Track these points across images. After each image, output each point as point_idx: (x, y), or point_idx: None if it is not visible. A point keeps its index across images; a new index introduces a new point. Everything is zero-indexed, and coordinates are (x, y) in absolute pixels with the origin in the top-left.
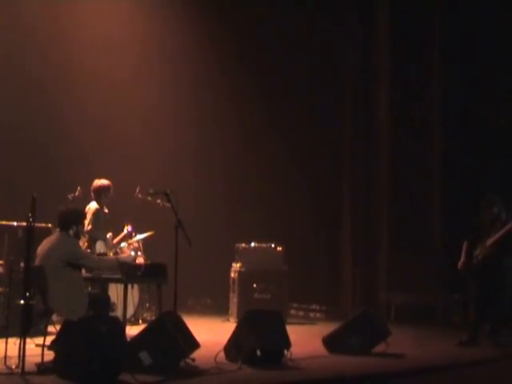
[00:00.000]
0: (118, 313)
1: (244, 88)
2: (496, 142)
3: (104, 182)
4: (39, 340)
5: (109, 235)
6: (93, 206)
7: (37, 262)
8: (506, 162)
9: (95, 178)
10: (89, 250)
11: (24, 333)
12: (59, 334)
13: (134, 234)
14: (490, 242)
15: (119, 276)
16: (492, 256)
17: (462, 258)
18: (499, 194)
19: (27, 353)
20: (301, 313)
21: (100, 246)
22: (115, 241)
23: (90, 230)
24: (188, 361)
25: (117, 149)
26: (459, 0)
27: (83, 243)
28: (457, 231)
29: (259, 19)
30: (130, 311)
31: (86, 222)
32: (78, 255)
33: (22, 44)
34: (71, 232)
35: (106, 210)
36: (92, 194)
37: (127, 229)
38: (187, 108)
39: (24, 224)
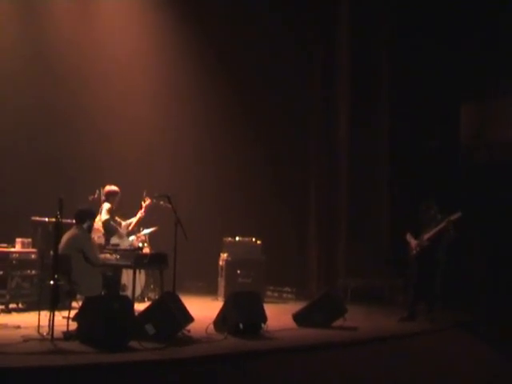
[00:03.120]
0: (128, 292)
1: (232, 105)
2: (431, 159)
3: (114, 187)
4: (65, 313)
5: (124, 224)
6: (106, 204)
7: (60, 250)
8: (439, 174)
9: (111, 183)
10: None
11: (53, 307)
12: (81, 309)
13: (141, 229)
14: (426, 236)
15: (129, 263)
16: (427, 249)
17: (413, 242)
18: (435, 199)
19: (55, 323)
20: (275, 294)
21: (113, 239)
22: (131, 227)
23: (107, 219)
24: (184, 332)
25: (127, 160)
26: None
27: (98, 235)
28: (401, 230)
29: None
30: (138, 291)
31: (104, 213)
32: (88, 249)
33: (33, 63)
34: (85, 226)
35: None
36: (103, 196)
37: (146, 200)
38: (182, 124)
39: (53, 220)
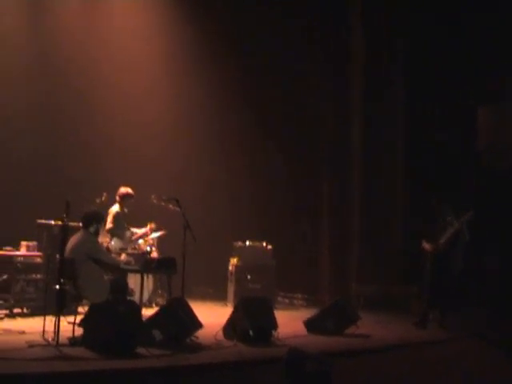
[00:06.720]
0: (136, 297)
1: (242, 106)
2: (444, 157)
3: (129, 190)
4: (71, 318)
5: (130, 232)
6: (114, 208)
7: (66, 255)
8: (454, 177)
9: (118, 186)
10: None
11: (59, 312)
12: (87, 314)
13: (149, 233)
14: (442, 240)
15: (137, 267)
16: (443, 254)
17: (430, 245)
18: (450, 203)
19: (61, 328)
20: (286, 300)
21: (116, 243)
22: (134, 237)
23: (111, 228)
24: (192, 338)
25: (136, 162)
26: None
27: (105, 239)
28: (415, 235)
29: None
30: (146, 296)
31: (108, 221)
32: (97, 252)
33: (39, 64)
34: (92, 229)
35: (126, 210)
36: (117, 197)
37: (150, 226)
38: (192, 126)
39: (59, 223)
